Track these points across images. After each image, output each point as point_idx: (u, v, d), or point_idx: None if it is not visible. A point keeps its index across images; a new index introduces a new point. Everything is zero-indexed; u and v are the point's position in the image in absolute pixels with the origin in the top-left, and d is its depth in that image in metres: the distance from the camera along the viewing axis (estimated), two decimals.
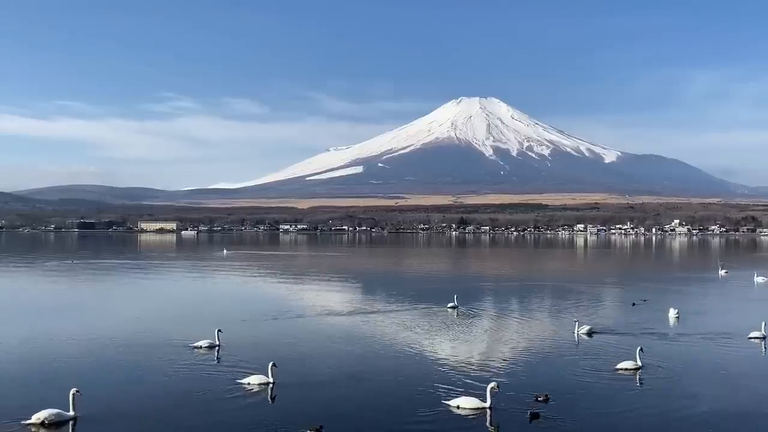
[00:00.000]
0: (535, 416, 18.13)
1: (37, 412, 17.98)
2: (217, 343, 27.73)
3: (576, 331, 31.03)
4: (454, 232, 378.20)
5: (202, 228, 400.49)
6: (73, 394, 18.33)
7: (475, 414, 18.59)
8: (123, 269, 79.88)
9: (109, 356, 26.31)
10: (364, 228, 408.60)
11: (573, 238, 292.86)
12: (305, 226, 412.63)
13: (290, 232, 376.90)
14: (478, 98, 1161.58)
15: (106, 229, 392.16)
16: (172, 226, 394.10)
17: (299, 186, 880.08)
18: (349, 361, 25.81)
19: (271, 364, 21.76)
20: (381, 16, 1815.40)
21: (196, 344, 27.82)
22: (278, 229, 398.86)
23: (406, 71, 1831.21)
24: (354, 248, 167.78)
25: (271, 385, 21.29)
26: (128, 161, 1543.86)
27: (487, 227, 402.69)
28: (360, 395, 20.86)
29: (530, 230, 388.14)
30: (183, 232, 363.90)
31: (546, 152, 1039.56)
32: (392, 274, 78.42)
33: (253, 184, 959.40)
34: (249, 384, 21.45)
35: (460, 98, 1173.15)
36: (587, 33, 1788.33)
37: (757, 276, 60.75)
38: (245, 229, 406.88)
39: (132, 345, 28.41)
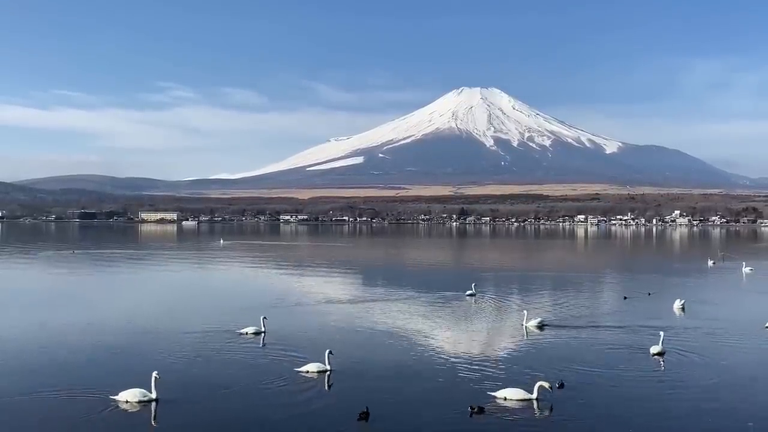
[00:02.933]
0: (479, 410, 18.03)
1: (122, 390, 19.08)
2: (263, 329, 28.73)
3: (524, 324, 30.70)
4: (454, 223, 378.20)
5: (202, 218, 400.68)
6: (155, 377, 19.09)
7: (522, 405, 18.77)
8: (130, 259, 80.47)
9: (166, 341, 27.36)
10: (365, 219, 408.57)
11: (573, 229, 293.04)
12: (306, 217, 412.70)
13: (291, 222, 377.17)
14: (479, 88, 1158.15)
15: (107, 219, 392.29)
16: (173, 216, 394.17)
17: (300, 176, 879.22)
18: (389, 348, 26.66)
19: (327, 351, 22.39)
20: (378, 5, 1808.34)
21: (242, 331, 28.89)
22: (279, 220, 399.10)
23: (405, 61, 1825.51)
24: (355, 239, 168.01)
25: (328, 373, 21.89)
26: (128, 151, 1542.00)
27: (488, 218, 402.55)
28: (410, 383, 21.29)
29: (531, 221, 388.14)
30: (184, 222, 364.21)
31: (547, 143, 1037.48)
32: (400, 265, 79.15)
33: (254, 175, 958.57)
34: (308, 372, 22.05)
35: (461, 88, 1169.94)
36: (587, 22, 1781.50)
37: (745, 266, 62.30)
38: (246, 219, 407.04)
39: (180, 331, 29.53)
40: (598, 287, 51.99)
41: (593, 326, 31.69)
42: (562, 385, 20.29)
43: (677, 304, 37.36)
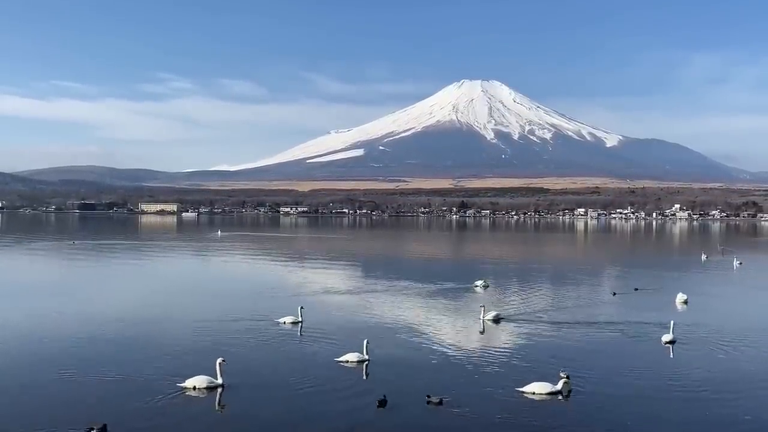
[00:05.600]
0: (439, 402, 18.21)
1: (189, 378, 19.49)
2: (300, 319, 29.19)
3: (482, 318, 30.65)
4: (454, 216, 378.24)
5: (202, 210, 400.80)
6: (220, 364, 19.53)
7: (549, 398, 19.00)
8: (135, 251, 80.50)
9: (208, 331, 27.71)
10: (365, 211, 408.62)
11: (573, 222, 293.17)
12: (306, 209, 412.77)
13: (290, 214, 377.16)
14: (479, 81, 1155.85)
15: (107, 210, 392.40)
16: (173, 207, 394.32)
17: (300, 168, 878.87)
18: (419, 338, 27.27)
19: (365, 341, 22.65)
20: None
21: (280, 320, 29.45)
22: (279, 212, 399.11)
23: (405, 54, 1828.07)
24: (357, 232, 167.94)
25: (366, 362, 22.26)
26: (127, 142, 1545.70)
27: (488, 211, 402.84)
28: (445, 374, 21.56)
29: (530, 214, 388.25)
30: (183, 213, 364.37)
31: (547, 136, 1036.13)
32: (407, 258, 79.61)
33: (253, 167, 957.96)
34: (348, 362, 22.44)
35: (461, 81, 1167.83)
36: (588, 16, 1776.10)
37: (736, 260, 64.57)
38: (246, 211, 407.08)
39: (218, 320, 30.00)
40: (589, 281, 51.30)
41: (563, 322, 31.17)
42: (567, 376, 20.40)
43: (680, 298, 37.34)
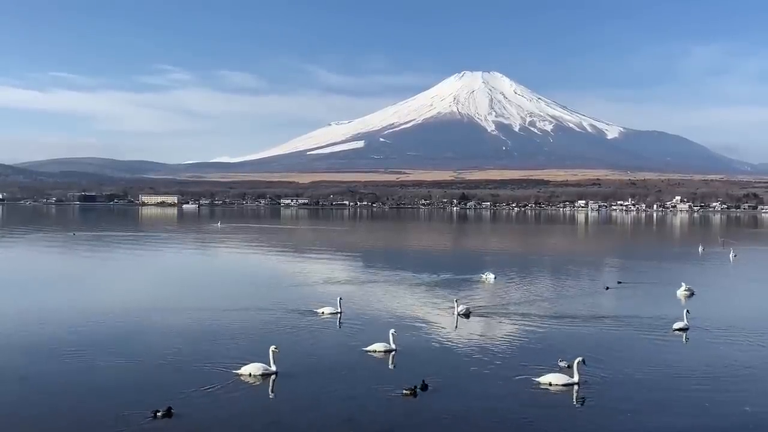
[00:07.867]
0: (424, 387, 18.80)
1: (245, 365, 20.23)
2: (339, 310, 29.82)
3: (455, 312, 30.67)
4: (455, 208, 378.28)
5: (203, 202, 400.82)
6: (273, 351, 20.15)
7: (565, 390, 19.26)
8: (143, 243, 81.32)
9: (253, 321, 28.60)
10: (365, 203, 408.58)
11: (574, 214, 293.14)
12: (306, 201, 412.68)
13: (291, 206, 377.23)
14: (480, 73, 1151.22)
15: (108, 202, 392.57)
16: (174, 199, 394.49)
17: (300, 160, 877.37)
18: (440, 330, 27.79)
19: (392, 331, 23.22)
20: None
21: (319, 310, 30.23)
22: (279, 204, 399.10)
23: (403, 45, 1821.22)
24: (359, 224, 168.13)
25: (393, 352, 22.87)
26: (127, 134, 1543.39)
27: (489, 203, 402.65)
28: (465, 364, 22.04)
29: (531, 206, 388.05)
30: (184, 205, 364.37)
31: (548, 128, 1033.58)
32: (413, 249, 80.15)
33: (254, 158, 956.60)
34: (375, 351, 23.08)
35: (462, 72, 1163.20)
36: (589, 7, 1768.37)
37: (731, 253, 65.40)
38: (246, 203, 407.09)
39: (259, 309, 31.00)
40: (587, 275, 51.05)
41: (565, 316, 31.17)
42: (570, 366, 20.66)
43: (682, 291, 37.53)
